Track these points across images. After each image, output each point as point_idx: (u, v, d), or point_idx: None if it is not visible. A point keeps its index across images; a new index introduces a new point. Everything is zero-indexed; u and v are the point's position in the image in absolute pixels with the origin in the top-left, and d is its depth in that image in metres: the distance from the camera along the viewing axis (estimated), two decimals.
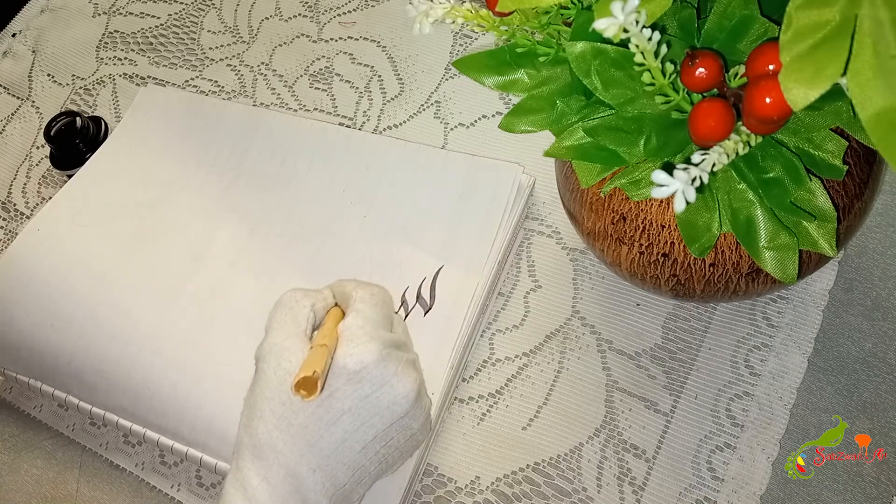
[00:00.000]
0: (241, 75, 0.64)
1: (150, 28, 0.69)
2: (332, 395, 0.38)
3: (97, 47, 0.70)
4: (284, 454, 0.37)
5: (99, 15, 0.72)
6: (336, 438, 0.38)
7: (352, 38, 0.63)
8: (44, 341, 0.51)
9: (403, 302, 0.48)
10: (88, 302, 0.52)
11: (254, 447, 0.38)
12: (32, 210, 0.63)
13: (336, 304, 0.44)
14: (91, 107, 0.66)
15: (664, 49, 0.28)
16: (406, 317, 0.48)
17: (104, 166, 0.59)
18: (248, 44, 0.66)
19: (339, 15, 0.65)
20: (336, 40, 0.63)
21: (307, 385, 0.36)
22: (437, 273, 0.48)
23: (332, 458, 0.38)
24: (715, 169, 0.27)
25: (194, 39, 0.67)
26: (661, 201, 0.36)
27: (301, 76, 0.63)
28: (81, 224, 0.55)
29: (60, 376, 0.50)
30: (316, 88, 0.62)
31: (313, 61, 0.63)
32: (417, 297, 0.48)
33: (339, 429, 0.38)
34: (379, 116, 0.59)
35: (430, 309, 0.47)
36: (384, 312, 0.42)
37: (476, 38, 0.60)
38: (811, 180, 0.32)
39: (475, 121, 0.57)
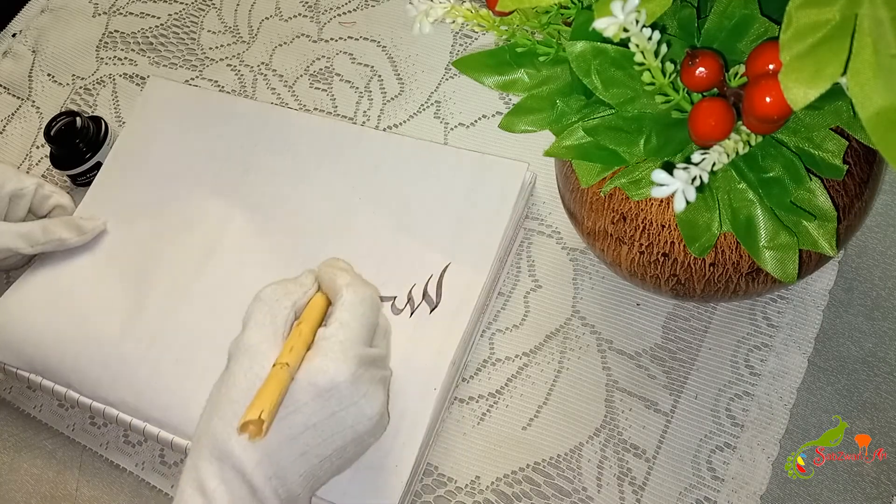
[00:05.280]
0: (241, 75, 0.64)
1: (150, 28, 0.69)
2: (297, 411, 0.38)
3: (97, 47, 0.70)
4: (242, 460, 0.36)
5: (99, 15, 0.72)
6: (295, 451, 0.38)
7: (352, 38, 0.63)
8: (52, 338, 0.51)
9: (410, 299, 0.48)
10: (105, 302, 0.52)
11: (212, 447, 0.37)
12: None
13: (320, 290, 0.43)
14: (91, 107, 0.66)
15: (664, 49, 0.28)
16: (412, 314, 0.48)
17: (120, 167, 0.59)
18: (248, 44, 0.66)
19: (339, 15, 0.65)
20: (336, 40, 0.63)
21: (253, 427, 0.36)
22: (444, 270, 0.48)
23: (290, 468, 0.38)
24: (715, 168, 0.27)
25: (194, 39, 0.67)
26: (661, 201, 0.36)
27: (301, 76, 0.63)
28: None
29: (63, 371, 0.50)
30: (316, 88, 0.62)
31: (313, 61, 0.63)
32: (424, 295, 0.48)
33: (300, 443, 0.38)
34: (379, 116, 0.59)
35: (436, 307, 0.48)
36: (369, 322, 0.41)
37: (476, 38, 0.60)
38: (811, 180, 0.32)
39: (475, 121, 0.57)
